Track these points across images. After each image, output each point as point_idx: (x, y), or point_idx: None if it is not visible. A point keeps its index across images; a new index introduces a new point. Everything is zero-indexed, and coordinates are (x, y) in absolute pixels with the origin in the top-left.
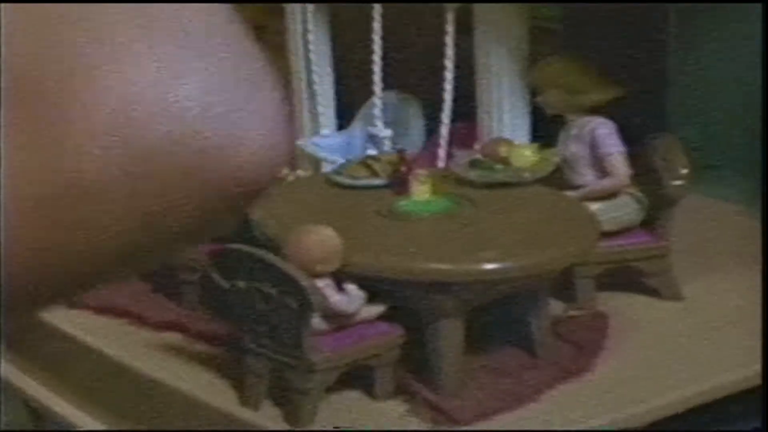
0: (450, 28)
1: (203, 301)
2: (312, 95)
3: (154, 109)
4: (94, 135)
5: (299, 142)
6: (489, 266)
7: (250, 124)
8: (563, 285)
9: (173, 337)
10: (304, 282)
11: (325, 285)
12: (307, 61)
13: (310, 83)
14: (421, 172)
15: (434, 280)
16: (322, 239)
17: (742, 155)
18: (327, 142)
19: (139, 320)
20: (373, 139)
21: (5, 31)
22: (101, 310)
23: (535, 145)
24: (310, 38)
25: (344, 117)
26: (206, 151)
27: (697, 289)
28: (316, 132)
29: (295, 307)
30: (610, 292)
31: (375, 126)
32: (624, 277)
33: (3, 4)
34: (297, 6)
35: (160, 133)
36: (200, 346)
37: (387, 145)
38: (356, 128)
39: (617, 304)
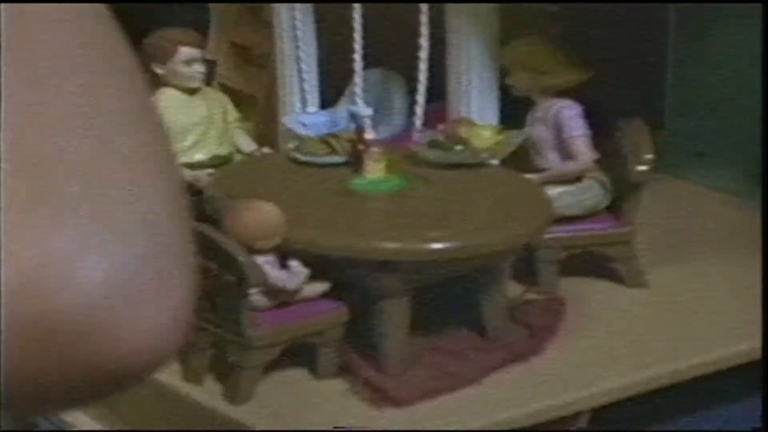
0: (424, 8)
1: None
2: (298, 73)
3: (55, 281)
4: None
5: (284, 119)
6: (435, 246)
7: (148, 312)
8: (526, 268)
9: None
10: (242, 258)
11: (265, 261)
12: (294, 38)
13: (297, 60)
14: (376, 150)
15: (380, 259)
16: (262, 215)
17: (734, 144)
18: (312, 120)
19: None
20: (354, 117)
21: None
22: None
23: (497, 126)
24: (297, 15)
25: (329, 96)
26: (98, 329)
27: (665, 276)
28: (301, 110)
29: (233, 282)
30: (574, 278)
31: (356, 104)
32: (589, 263)
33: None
34: None
35: (56, 302)
36: None
37: (367, 124)
38: (341, 107)
39: (580, 289)
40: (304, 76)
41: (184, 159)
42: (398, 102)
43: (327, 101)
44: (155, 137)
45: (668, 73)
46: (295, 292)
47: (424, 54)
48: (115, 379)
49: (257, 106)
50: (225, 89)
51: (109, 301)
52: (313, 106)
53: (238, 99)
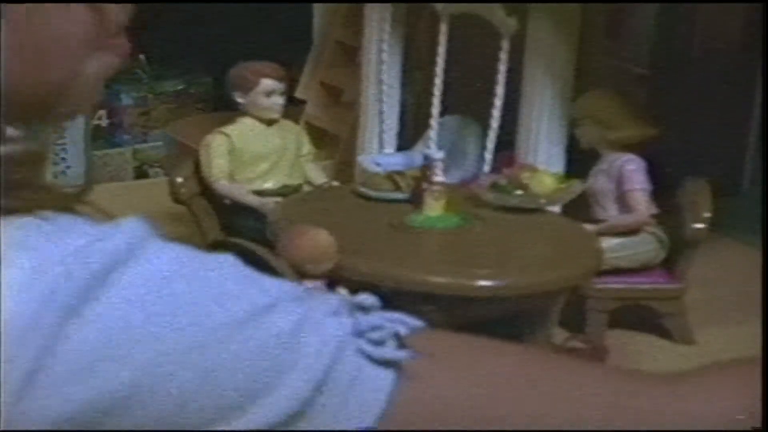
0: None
1: None
2: (379, 114)
3: None
4: None
5: (360, 158)
6: (481, 283)
7: None
8: (575, 317)
9: None
10: (290, 279)
11: (314, 286)
12: (379, 81)
13: (379, 102)
14: (437, 188)
15: (426, 292)
16: (313, 240)
17: None
18: (386, 160)
19: None
20: (427, 160)
21: None
22: None
23: (560, 174)
24: (384, 58)
25: (410, 139)
26: None
27: (713, 336)
28: (378, 150)
29: None
30: (621, 330)
31: (430, 147)
32: (638, 316)
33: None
34: (375, 27)
35: None
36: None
37: (439, 167)
38: (417, 149)
39: (626, 341)
40: (384, 117)
41: (254, 186)
42: (472, 148)
43: (407, 144)
44: None
45: (750, 143)
46: None
47: (498, 102)
48: None
49: (340, 145)
50: (311, 128)
51: None
52: (390, 147)
53: (323, 138)
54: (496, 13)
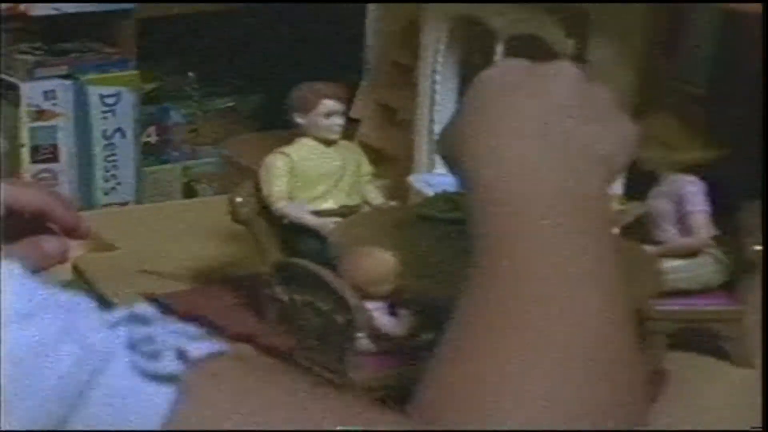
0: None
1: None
2: (430, 134)
3: None
4: None
5: (410, 177)
6: None
7: None
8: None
9: (245, 349)
10: (352, 300)
11: (376, 307)
12: (432, 99)
13: (431, 122)
14: None
15: None
16: (375, 261)
17: None
18: (439, 180)
19: (218, 330)
20: None
21: None
22: (187, 317)
23: (619, 196)
24: (437, 78)
25: None
26: None
27: None
28: (430, 169)
29: (341, 323)
30: (679, 352)
31: None
32: (698, 338)
33: None
34: (430, 47)
35: None
36: (266, 359)
37: None
38: None
39: (684, 363)
40: (436, 137)
41: (313, 206)
42: None
43: None
44: None
45: None
46: (402, 338)
47: None
48: None
49: (396, 165)
50: (365, 147)
51: None
52: (442, 167)
53: (378, 158)
54: (554, 34)
